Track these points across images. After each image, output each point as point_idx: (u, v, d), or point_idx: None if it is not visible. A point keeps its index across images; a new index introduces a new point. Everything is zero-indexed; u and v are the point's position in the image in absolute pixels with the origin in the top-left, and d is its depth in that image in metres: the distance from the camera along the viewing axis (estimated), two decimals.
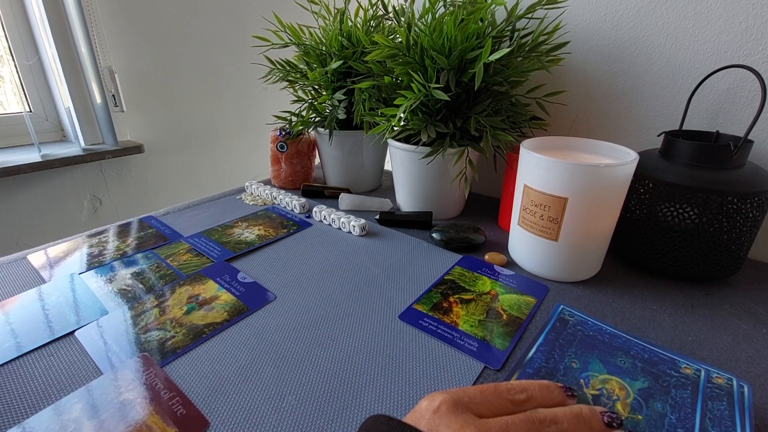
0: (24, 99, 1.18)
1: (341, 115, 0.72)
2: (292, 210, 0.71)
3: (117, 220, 1.35)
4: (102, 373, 0.36)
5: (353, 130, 0.74)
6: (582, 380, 0.34)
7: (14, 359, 0.38)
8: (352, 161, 0.77)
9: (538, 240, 0.49)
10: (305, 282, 0.50)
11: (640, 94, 0.60)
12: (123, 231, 0.63)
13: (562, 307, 0.44)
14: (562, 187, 0.44)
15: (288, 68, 0.75)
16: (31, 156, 1.09)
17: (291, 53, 0.77)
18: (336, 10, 0.71)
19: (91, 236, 0.61)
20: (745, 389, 0.33)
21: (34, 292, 0.47)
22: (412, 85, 0.54)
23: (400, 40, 0.59)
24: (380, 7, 0.69)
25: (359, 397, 0.34)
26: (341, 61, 0.67)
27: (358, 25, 0.71)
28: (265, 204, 0.74)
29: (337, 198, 0.76)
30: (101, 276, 0.51)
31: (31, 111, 1.20)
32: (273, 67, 0.75)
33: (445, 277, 0.50)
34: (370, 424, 0.21)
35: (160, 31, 1.32)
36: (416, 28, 0.58)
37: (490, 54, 0.50)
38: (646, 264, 0.51)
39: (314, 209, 0.68)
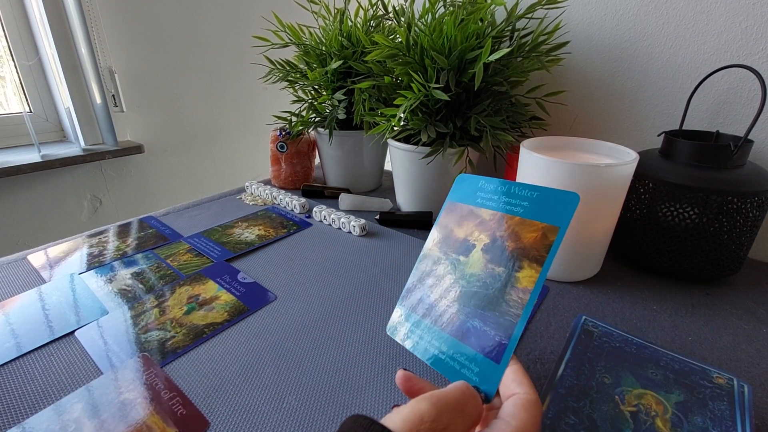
0: (24, 99, 1.18)
1: (341, 115, 0.72)
2: (292, 210, 0.71)
3: (117, 220, 1.35)
4: (102, 373, 0.36)
5: (353, 130, 0.74)
6: (617, 397, 0.33)
7: (14, 359, 0.38)
8: (352, 161, 0.77)
9: None
10: (305, 282, 0.50)
11: (640, 94, 0.60)
12: (123, 231, 0.63)
13: (584, 318, 0.42)
14: (562, 187, 0.44)
15: (288, 68, 0.75)
16: (31, 156, 1.09)
17: (291, 53, 0.77)
18: (336, 10, 0.71)
19: (91, 236, 0.61)
20: (746, 389, 0.33)
21: (34, 292, 0.47)
22: (412, 85, 0.54)
23: (400, 40, 0.59)
24: (380, 7, 0.69)
25: (359, 397, 0.34)
26: (341, 61, 0.67)
27: (358, 25, 0.71)
28: (265, 204, 0.74)
29: (337, 198, 0.76)
30: (101, 276, 0.51)
31: (31, 111, 1.19)
32: (273, 67, 0.75)
33: None
34: (349, 425, 0.21)
35: (160, 31, 1.32)
36: (416, 28, 0.58)
37: (490, 54, 0.50)
38: (646, 264, 0.51)
39: (314, 209, 0.68)
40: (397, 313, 0.32)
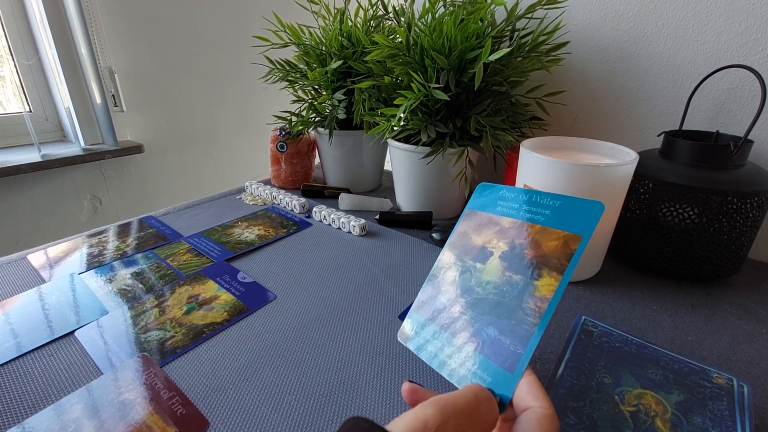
0: (24, 99, 1.18)
1: (341, 115, 0.72)
2: (292, 210, 0.71)
3: (117, 220, 1.35)
4: (102, 373, 0.36)
5: (353, 130, 0.74)
6: (617, 397, 0.33)
7: (14, 359, 0.38)
8: (352, 161, 0.77)
9: None
10: (305, 282, 0.50)
11: (640, 94, 0.60)
12: (123, 231, 0.63)
13: (584, 318, 0.42)
14: (562, 187, 0.44)
15: (288, 68, 0.75)
16: (31, 156, 1.09)
17: (291, 53, 0.77)
18: (336, 10, 0.71)
19: (91, 236, 0.61)
20: (745, 389, 0.33)
21: (34, 292, 0.47)
22: (412, 85, 0.54)
23: (400, 40, 0.59)
24: (380, 7, 0.69)
25: (359, 397, 0.34)
26: (341, 61, 0.67)
27: (358, 25, 0.71)
28: (265, 204, 0.74)
29: (337, 198, 0.76)
30: (101, 276, 0.51)
31: (31, 111, 1.19)
32: (273, 67, 0.75)
33: None
34: (349, 427, 0.20)
35: (160, 31, 1.32)
36: (416, 28, 0.58)
37: (490, 54, 0.50)
38: (646, 264, 0.51)
39: (314, 209, 0.68)
40: (408, 318, 0.31)
